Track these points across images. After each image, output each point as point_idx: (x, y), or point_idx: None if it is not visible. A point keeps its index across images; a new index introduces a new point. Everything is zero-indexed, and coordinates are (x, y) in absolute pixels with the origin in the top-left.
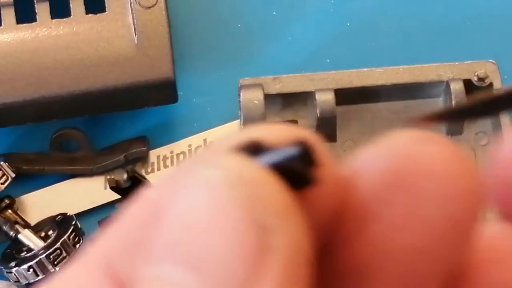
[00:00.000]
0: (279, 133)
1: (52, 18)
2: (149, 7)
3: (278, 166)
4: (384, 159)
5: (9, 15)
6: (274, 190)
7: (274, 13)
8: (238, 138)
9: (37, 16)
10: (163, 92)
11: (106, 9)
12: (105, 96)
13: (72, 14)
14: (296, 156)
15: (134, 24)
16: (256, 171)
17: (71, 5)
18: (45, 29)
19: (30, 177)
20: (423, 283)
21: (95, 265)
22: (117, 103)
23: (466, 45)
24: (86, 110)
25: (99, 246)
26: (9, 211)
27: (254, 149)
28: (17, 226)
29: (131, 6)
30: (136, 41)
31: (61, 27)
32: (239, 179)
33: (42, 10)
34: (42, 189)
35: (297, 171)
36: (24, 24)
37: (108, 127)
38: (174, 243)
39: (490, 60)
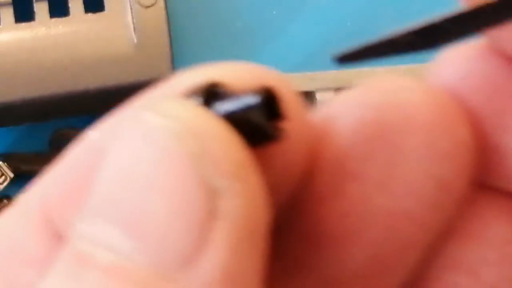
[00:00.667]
0: (240, 75)
1: (51, 17)
2: (149, 6)
3: (236, 117)
4: (362, 108)
5: (8, 14)
6: (228, 146)
7: (274, 12)
8: (191, 79)
9: (35, 15)
10: None
11: (105, 8)
12: (104, 96)
13: (71, 13)
14: (258, 106)
15: (133, 23)
16: (209, 122)
17: (70, 4)
18: (43, 29)
19: (29, 178)
20: (405, 250)
21: (32, 214)
22: (116, 103)
23: None
24: (85, 109)
25: (37, 192)
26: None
27: (209, 93)
28: None
29: (130, 5)
30: (135, 40)
31: (60, 26)
32: (187, 131)
33: (41, 9)
34: None
35: (257, 125)
36: (23, 24)
37: None
38: (110, 198)
39: None
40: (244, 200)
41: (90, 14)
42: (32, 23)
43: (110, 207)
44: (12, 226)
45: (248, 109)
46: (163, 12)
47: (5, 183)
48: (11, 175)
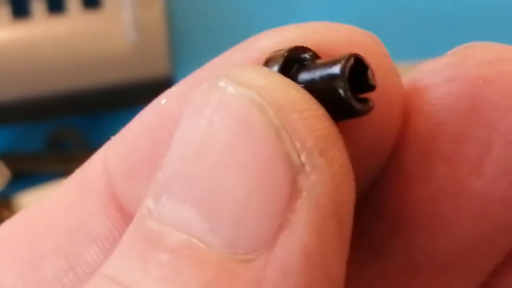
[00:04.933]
0: (327, 38)
1: (48, 15)
2: (148, 5)
3: (318, 88)
4: (455, 82)
5: (5, 12)
6: (312, 118)
7: (274, 11)
8: (271, 41)
9: (33, 13)
10: (160, 89)
11: (104, 7)
12: (102, 94)
13: (68, 11)
14: (343, 76)
15: (132, 21)
16: (291, 92)
17: (67, 2)
18: (41, 27)
19: (27, 177)
20: (498, 237)
21: (95, 187)
22: (114, 101)
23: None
24: (83, 108)
25: (98, 163)
26: (6, 211)
27: (289, 59)
28: None
29: (129, 4)
30: (134, 39)
31: (58, 25)
32: (268, 101)
33: (38, 7)
34: (38, 189)
35: (341, 97)
36: (20, 21)
37: (105, 126)
38: (183, 174)
39: None
40: (328, 177)
41: (88, 13)
42: (29, 21)
43: (183, 183)
44: (74, 201)
45: (332, 79)
46: (162, 10)
47: (3, 182)
48: (9, 174)
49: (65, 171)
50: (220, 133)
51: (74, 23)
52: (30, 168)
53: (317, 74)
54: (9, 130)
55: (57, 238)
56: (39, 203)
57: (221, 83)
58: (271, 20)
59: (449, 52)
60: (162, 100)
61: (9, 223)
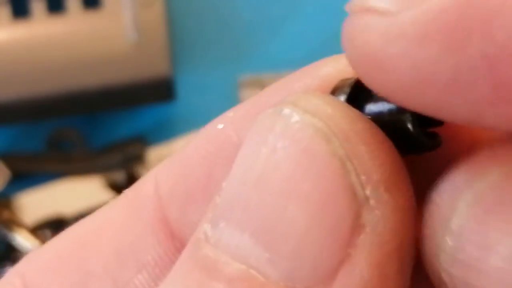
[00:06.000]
0: None
1: (48, 15)
2: (148, 5)
3: (386, 120)
4: None
5: (5, 12)
6: (379, 151)
7: (274, 9)
8: (338, 69)
9: (33, 13)
10: (161, 90)
11: (104, 7)
12: (102, 94)
13: (69, 11)
14: (414, 111)
15: (132, 21)
16: (358, 123)
17: (67, 2)
18: (41, 27)
19: (26, 177)
20: None
21: (146, 210)
22: (114, 101)
23: None
24: (83, 108)
25: (151, 184)
26: (5, 211)
27: (356, 89)
28: (13, 226)
29: (129, 4)
30: (133, 39)
31: (57, 25)
32: (337, 132)
33: (38, 7)
34: (38, 189)
35: (409, 131)
36: (20, 21)
37: (105, 126)
38: (243, 201)
39: None
40: (392, 213)
41: (88, 13)
42: (29, 21)
43: (242, 210)
44: (123, 222)
45: (400, 112)
46: (162, 10)
47: (3, 182)
48: (9, 174)
49: (64, 171)
50: (284, 162)
51: (74, 23)
52: (29, 168)
53: (385, 106)
54: (9, 130)
55: (105, 260)
56: (85, 222)
57: (286, 110)
58: (270, 22)
59: None
60: (219, 125)
61: (55, 242)
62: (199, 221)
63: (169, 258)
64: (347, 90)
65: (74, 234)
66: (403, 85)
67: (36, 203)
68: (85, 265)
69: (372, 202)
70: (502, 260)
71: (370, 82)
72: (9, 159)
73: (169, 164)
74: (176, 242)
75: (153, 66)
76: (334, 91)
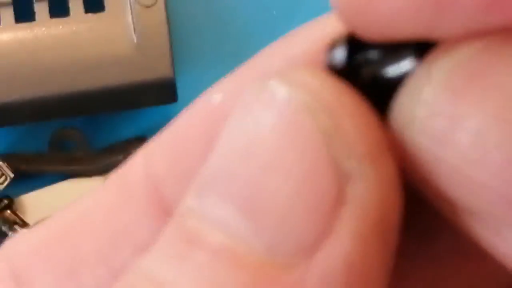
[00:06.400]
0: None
1: (51, 17)
2: (149, 6)
3: (387, 83)
4: None
5: (8, 14)
6: (363, 124)
7: (274, 12)
8: (327, 32)
9: (36, 15)
10: (163, 91)
11: (105, 8)
12: (104, 96)
13: (71, 13)
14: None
15: (133, 23)
16: (343, 96)
17: (70, 5)
18: (44, 29)
19: (29, 177)
20: None
21: (137, 190)
22: (116, 103)
23: None
24: (85, 109)
25: (140, 163)
26: (8, 211)
27: (352, 44)
28: (16, 227)
29: (130, 5)
30: (135, 41)
31: (60, 27)
32: (319, 104)
33: (41, 9)
34: (41, 190)
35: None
36: (23, 24)
37: (107, 127)
38: (227, 172)
39: None
40: (376, 186)
41: (90, 14)
42: (32, 23)
43: (226, 182)
44: (114, 205)
45: (403, 75)
46: (163, 12)
47: (5, 183)
48: (11, 175)
49: (67, 172)
50: (268, 134)
51: (77, 26)
52: (32, 169)
53: (385, 63)
54: (11, 131)
55: (98, 245)
56: (73, 207)
57: (273, 83)
58: (271, 23)
59: None
60: (213, 98)
61: (43, 227)
62: (186, 196)
63: None
64: (342, 43)
65: (62, 219)
66: (394, 11)
67: (38, 203)
68: (76, 250)
69: (355, 175)
70: (471, 135)
71: (357, 18)
72: (12, 160)
73: (161, 141)
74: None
75: (155, 68)
76: (329, 47)
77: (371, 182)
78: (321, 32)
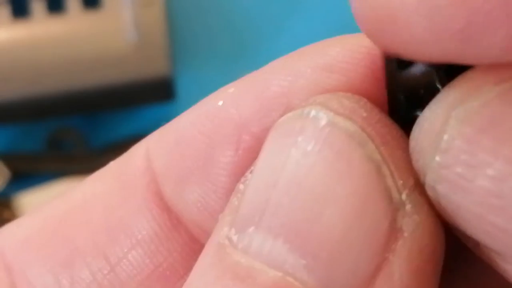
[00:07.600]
0: None
1: (48, 15)
2: (148, 5)
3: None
4: None
5: (5, 12)
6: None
7: (275, 9)
8: (347, 49)
9: (32, 13)
10: (160, 90)
11: (104, 7)
12: (102, 94)
13: (68, 11)
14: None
15: (131, 21)
16: (391, 126)
17: (67, 2)
18: (41, 27)
19: (27, 177)
20: None
21: (137, 184)
22: (114, 101)
23: None
24: (83, 108)
25: (143, 156)
26: (5, 210)
27: (396, 62)
28: None
29: (129, 3)
30: (133, 39)
31: (57, 24)
32: (374, 136)
33: (38, 7)
34: (38, 189)
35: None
36: (20, 21)
37: (105, 126)
38: (275, 207)
39: None
40: (427, 216)
41: (87, 12)
42: (29, 21)
43: (274, 216)
44: (113, 197)
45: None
46: (162, 10)
47: (3, 182)
48: (9, 174)
49: (65, 171)
50: (317, 166)
51: (74, 23)
52: (30, 168)
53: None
54: (9, 130)
55: (95, 237)
56: (68, 196)
57: (314, 112)
58: (272, 22)
59: None
60: (219, 102)
61: (38, 217)
62: (216, 223)
63: (165, 234)
64: (390, 61)
65: (57, 209)
66: (417, 36)
67: (36, 203)
68: (72, 241)
69: (408, 206)
70: (489, 181)
71: (382, 39)
72: (9, 159)
73: (163, 138)
74: (172, 217)
75: (153, 66)
76: (387, 59)
77: (424, 214)
78: (339, 50)
